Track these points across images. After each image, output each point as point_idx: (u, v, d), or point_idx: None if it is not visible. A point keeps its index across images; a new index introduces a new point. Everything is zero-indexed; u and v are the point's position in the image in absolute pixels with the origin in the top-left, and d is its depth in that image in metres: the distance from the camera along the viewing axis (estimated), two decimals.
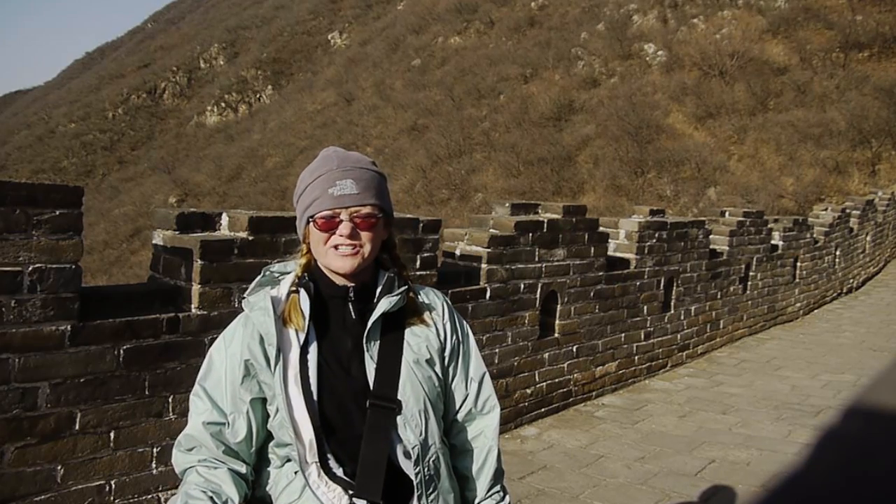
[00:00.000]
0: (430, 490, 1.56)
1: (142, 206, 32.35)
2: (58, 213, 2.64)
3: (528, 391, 5.08)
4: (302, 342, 1.53)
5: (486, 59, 29.68)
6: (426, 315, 1.65)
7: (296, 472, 1.53)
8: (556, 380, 5.33)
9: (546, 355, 5.21)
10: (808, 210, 14.75)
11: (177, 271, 3.14)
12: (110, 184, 40.73)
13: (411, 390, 1.56)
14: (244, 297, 1.61)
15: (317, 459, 1.50)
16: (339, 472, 1.52)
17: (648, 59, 25.25)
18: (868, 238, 13.09)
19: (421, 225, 4.11)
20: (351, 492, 1.49)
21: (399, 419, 1.54)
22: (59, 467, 2.73)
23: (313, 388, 1.52)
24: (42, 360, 2.65)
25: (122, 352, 2.87)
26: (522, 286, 4.90)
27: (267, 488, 1.59)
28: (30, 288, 2.59)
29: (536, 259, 5.00)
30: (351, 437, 1.52)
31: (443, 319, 1.67)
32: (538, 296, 5.04)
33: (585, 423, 5.21)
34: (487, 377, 1.74)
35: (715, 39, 24.06)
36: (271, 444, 1.58)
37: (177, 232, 3.16)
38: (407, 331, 1.61)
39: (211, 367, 1.57)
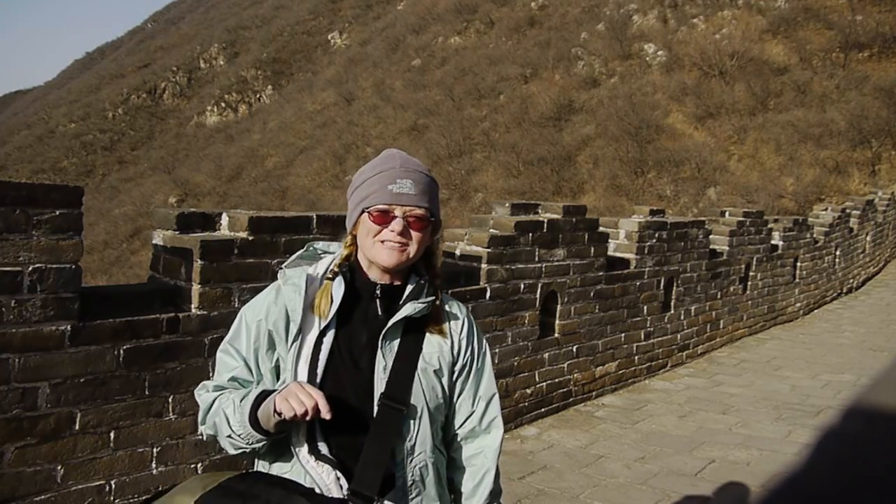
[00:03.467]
0: (414, 495, 1.60)
1: (142, 206, 32.33)
2: (58, 213, 2.64)
3: (528, 391, 5.08)
4: (323, 326, 1.58)
5: (486, 59, 29.69)
6: (446, 327, 1.68)
7: (290, 445, 1.59)
8: (556, 380, 5.33)
9: (546, 355, 5.21)
10: (808, 210, 14.75)
11: (177, 271, 3.14)
12: (110, 184, 40.73)
13: (413, 396, 1.59)
14: (282, 268, 1.66)
15: (307, 434, 1.56)
16: (325, 450, 1.57)
17: (648, 59, 25.25)
18: (868, 238, 13.09)
19: None
20: (336, 472, 1.54)
21: None
22: (59, 467, 2.73)
23: (319, 370, 1.57)
24: (42, 360, 2.65)
25: (122, 352, 2.87)
26: (522, 286, 4.90)
27: (264, 457, 1.64)
28: (30, 288, 2.59)
29: (536, 259, 5.00)
30: (343, 425, 1.56)
31: (460, 334, 1.70)
32: (538, 296, 5.04)
33: (585, 423, 5.21)
34: (496, 398, 1.76)
35: (715, 39, 24.06)
36: None
37: (177, 232, 3.16)
38: (425, 339, 1.64)
39: (240, 329, 1.63)
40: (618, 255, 6.03)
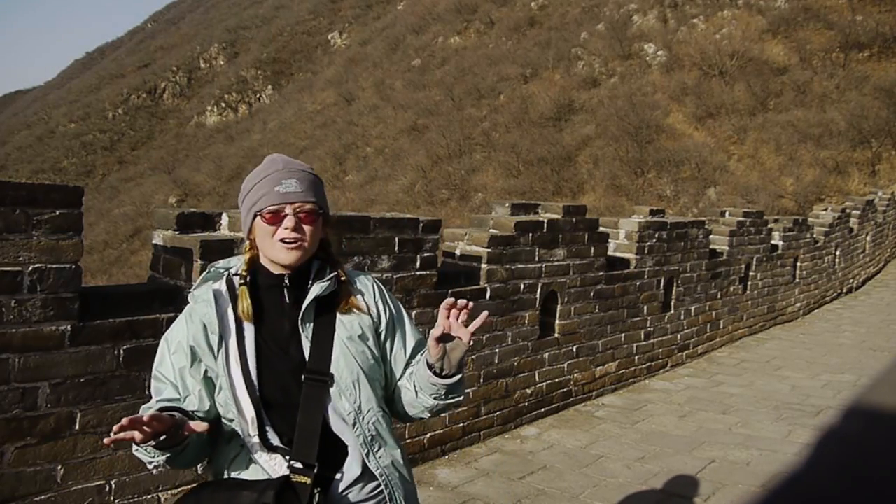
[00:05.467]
0: (377, 448, 1.75)
1: (142, 206, 32.35)
2: (58, 213, 2.64)
3: (528, 391, 5.08)
4: (245, 329, 1.70)
5: (486, 59, 29.69)
6: (358, 296, 1.82)
7: (241, 446, 1.71)
8: (556, 380, 5.33)
9: (546, 355, 5.21)
10: (808, 210, 14.75)
11: (177, 271, 3.14)
12: (110, 184, 40.73)
13: (345, 364, 1.72)
14: (190, 292, 1.80)
15: (257, 432, 1.66)
16: (276, 441, 1.68)
17: (648, 59, 25.25)
18: (868, 238, 13.09)
19: (421, 225, 4.11)
20: (288, 457, 1.66)
21: (333, 390, 1.70)
22: (59, 467, 2.73)
23: (252, 367, 1.68)
24: (42, 360, 2.65)
25: (122, 352, 2.87)
26: (522, 286, 4.90)
27: (219, 464, 1.76)
28: (30, 288, 2.59)
29: (536, 259, 5.00)
30: (291, 409, 1.69)
31: (375, 299, 1.84)
32: (538, 296, 5.04)
33: (585, 423, 5.21)
34: (423, 340, 1.89)
35: (715, 39, 24.06)
36: (222, 421, 1.73)
37: (177, 232, 3.16)
38: (339, 311, 1.77)
39: (164, 355, 1.75)
40: (618, 255, 6.03)
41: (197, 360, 1.70)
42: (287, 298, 1.73)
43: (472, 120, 26.36)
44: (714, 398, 5.97)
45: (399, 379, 1.86)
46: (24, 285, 2.58)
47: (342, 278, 1.79)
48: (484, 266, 4.62)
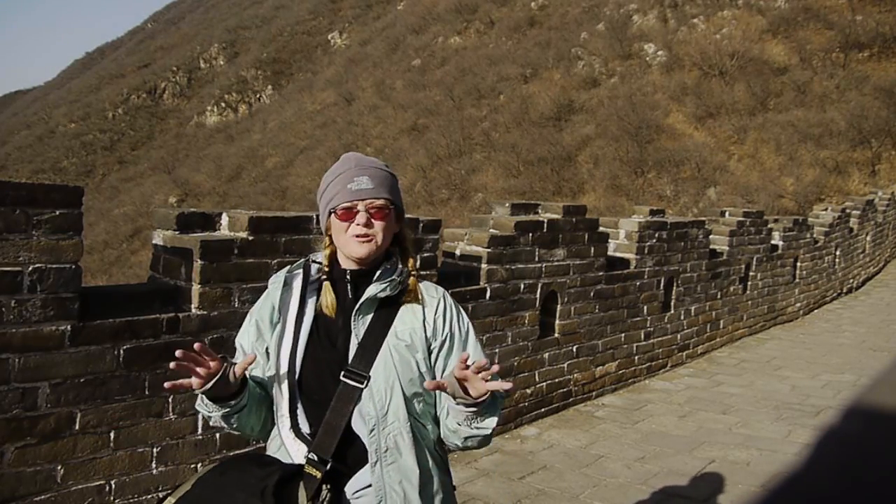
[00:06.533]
0: (389, 461, 1.70)
1: (142, 206, 32.36)
2: (58, 213, 2.64)
3: (528, 391, 5.08)
4: (305, 315, 1.78)
5: (486, 59, 29.69)
6: (419, 306, 1.80)
7: (277, 427, 1.79)
8: (556, 380, 5.33)
9: (546, 355, 5.21)
10: (808, 210, 14.75)
11: (177, 271, 3.14)
12: (110, 184, 40.74)
13: (383, 369, 1.72)
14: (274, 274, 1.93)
15: (288, 414, 1.74)
16: (306, 429, 1.73)
17: (648, 59, 25.25)
18: (868, 238, 13.09)
19: (421, 225, 4.11)
20: (309, 447, 1.71)
21: (365, 393, 1.71)
22: (59, 467, 2.73)
23: (299, 352, 1.75)
24: (42, 360, 2.65)
25: (122, 352, 2.87)
26: (522, 286, 4.90)
27: (270, 438, 1.85)
28: (30, 288, 2.59)
29: (536, 259, 5.00)
30: (322, 401, 1.72)
31: (435, 314, 1.81)
32: (538, 296, 5.04)
33: (585, 423, 5.21)
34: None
35: (715, 39, 24.06)
36: None
37: (177, 232, 3.16)
38: (397, 317, 1.77)
39: (245, 325, 1.87)
40: (618, 255, 6.03)
41: (261, 336, 1.81)
42: (349, 292, 1.77)
43: (472, 120, 26.37)
44: (714, 398, 5.97)
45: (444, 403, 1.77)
46: (24, 285, 2.58)
47: (408, 281, 1.79)
48: (484, 266, 4.62)
